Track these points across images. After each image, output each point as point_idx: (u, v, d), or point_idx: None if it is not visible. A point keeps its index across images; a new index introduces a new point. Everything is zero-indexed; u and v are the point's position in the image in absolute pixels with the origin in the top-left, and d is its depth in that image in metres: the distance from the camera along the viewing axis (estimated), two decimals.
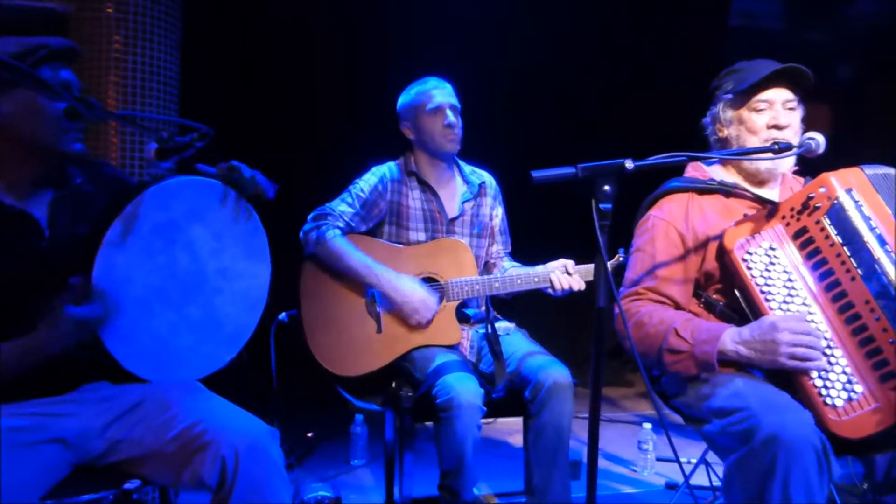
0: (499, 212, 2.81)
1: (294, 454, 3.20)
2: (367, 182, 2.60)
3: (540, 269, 2.53)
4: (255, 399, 2.49)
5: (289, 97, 4.11)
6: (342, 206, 2.56)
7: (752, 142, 1.97)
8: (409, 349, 2.50)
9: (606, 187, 1.52)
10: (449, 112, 2.59)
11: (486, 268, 2.79)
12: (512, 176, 2.82)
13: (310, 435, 3.50)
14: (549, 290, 2.53)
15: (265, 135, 3.90)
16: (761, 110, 1.98)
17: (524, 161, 1.78)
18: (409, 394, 2.43)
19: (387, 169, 2.65)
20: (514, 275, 2.54)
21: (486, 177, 2.81)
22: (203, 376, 1.79)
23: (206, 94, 3.42)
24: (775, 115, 1.96)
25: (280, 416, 2.66)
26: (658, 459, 3.31)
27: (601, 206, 1.51)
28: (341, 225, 2.52)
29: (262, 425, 1.66)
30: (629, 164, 1.54)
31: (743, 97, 2.00)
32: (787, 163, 1.98)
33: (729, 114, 2.04)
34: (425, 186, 2.65)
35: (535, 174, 1.54)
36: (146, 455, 1.62)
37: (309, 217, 2.56)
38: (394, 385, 2.49)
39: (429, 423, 2.37)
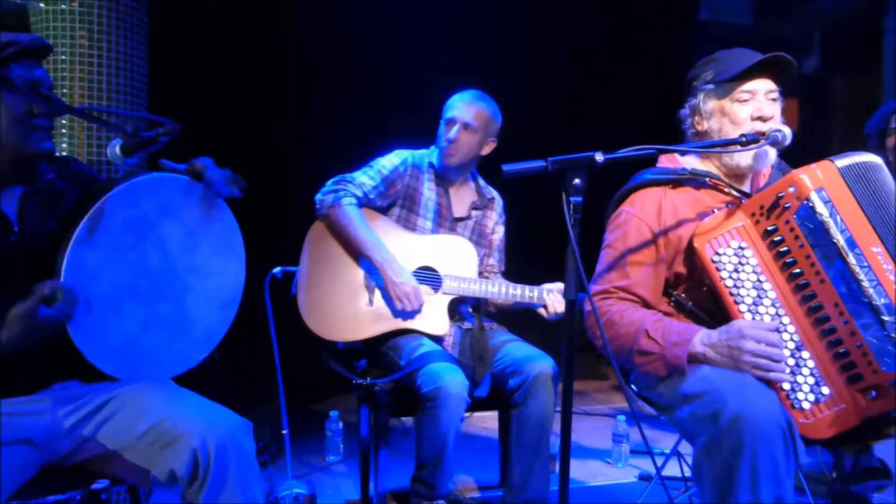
0: (500, 230, 2.88)
1: (269, 452, 3.18)
2: (390, 161, 2.65)
3: (536, 288, 2.59)
4: (230, 397, 2.50)
5: (263, 91, 4.06)
6: (363, 178, 2.59)
7: (735, 134, 1.91)
8: (394, 329, 2.53)
9: (577, 180, 1.53)
10: (456, 127, 2.63)
11: (480, 277, 2.81)
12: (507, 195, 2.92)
13: (284, 432, 3.47)
14: (542, 311, 2.58)
15: (238, 130, 3.87)
16: (745, 101, 1.93)
17: (499, 156, 1.78)
18: (387, 389, 2.44)
19: (410, 155, 2.70)
20: (512, 285, 2.60)
21: (496, 194, 2.89)
22: (175, 375, 1.78)
23: (177, 90, 3.38)
24: (759, 105, 1.92)
25: (252, 412, 2.64)
26: (632, 451, 3.34)
27: (572, 199, 1.52)
28: (359, 194, 2.56)
29: (236, 418, 1.66)
30: (599, 158, 1.54)
31: (725, 88, 1.95)
32: (770, 159, 1.96)
33: (710, 105, 1.99)
34: (440, 181, 2.71)
35: (506, 167, 1.55)
36: (115, 453, 1.61)
37: (328, 182, 2.59)
38: (368, 380, 2.49)
39: (405, 419, 2.38)
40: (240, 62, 3.96)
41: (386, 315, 2.52)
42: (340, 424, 3.37)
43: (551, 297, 2.54)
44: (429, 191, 2.68)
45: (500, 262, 2.89)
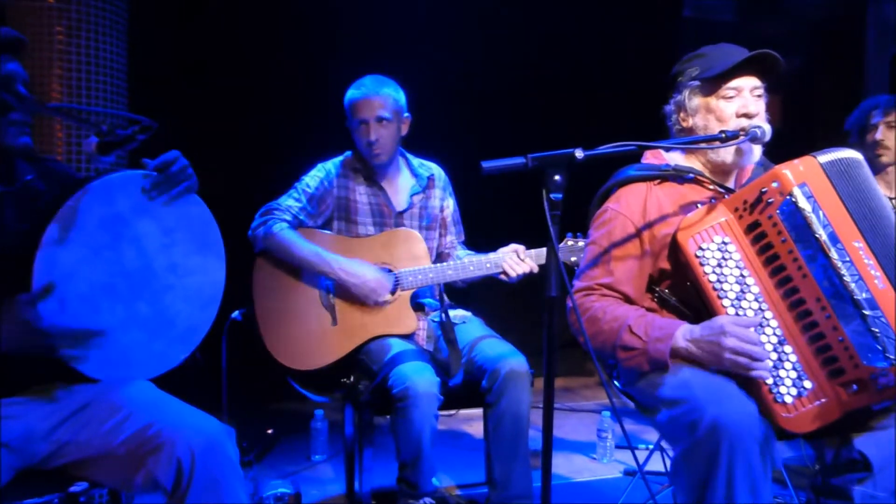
0: (450, 203, 2.82)
1: (254, 451, 3.16)
2: (312, 178, 2.61)
3: (492, 255, 2.54)
4: (211, 398, 2.47)
5: (242, 90, 4.03)
6: (289, 201, 2.56)
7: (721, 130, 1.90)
8: (366, 340, 2.50)
9: (557, 177, 1.52)
10: (372, 127, 2.56)
11: (440, 258, 2.80)
12: (463, 165, 2.76)
13: (270, 432, 3.46)
14: (503, 277, 2.54)
15: (217, 128, 3.84)
16: (731, 98, 1.93)
17: (479, 150, 1.77)
18: (369, 386, 2.43)
19: (332, 165, 2.65)
20: (467, 262, 2.55)
21: (435, 168, 2.80)
22: (155, 375, 1.76)
23: (156, 88, 3.35)
24: (745, 102, 1.92)
25: (233, 417, 2.61)
26: (617, 447, 3.35)
27: (552, 195, 1.51)
28: (288, 218, 2.52)
29: (218, 424, 1.64)
30: (579, 154, 1.54)
31: (711, 84, 1.95)
32: (755, 156, 1.96)
33: (696, 102, 1.98)
34: (371, 182, 2.65)
35: (485, 164, 1.54)
36: (95, 457, 1.59)
37: (256, 215, 2.55)
38: (351, 379, 2.48)
39: (389, 416, 2.37)
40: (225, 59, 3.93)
41: (355, 328, 2.50)
42: (325, 423, 3.36)
43: (508, 261, 2.50)
44: (361, 195, 2.63)
45: (459, 233, 2.85)
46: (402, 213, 2.68)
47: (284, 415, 3.78)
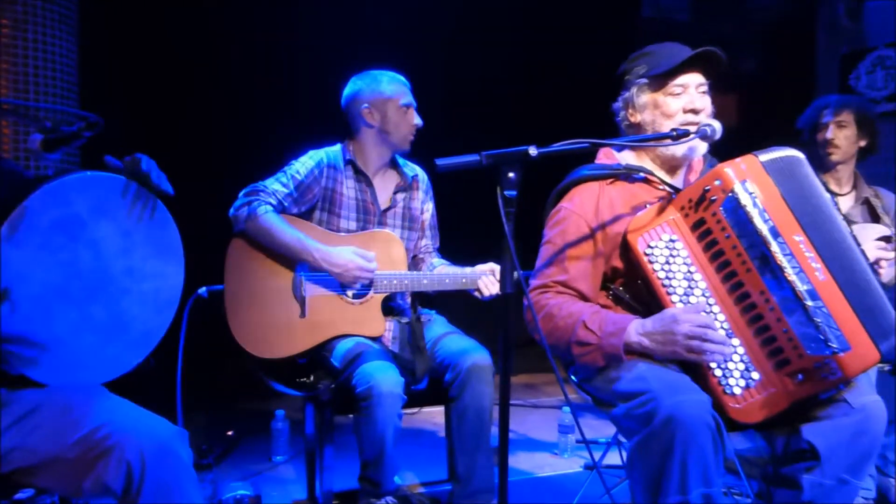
0: (429, 206, 2.83)
1: (213, 454, 3.13)
2: (303, 164, 2.57)
3: (468, 271, 2.57)
4: (167, 392, 2.45)
5: (203, 85, 3.99)
6: (276, 185, 2.52)
7: (668, 126, 1.98)
8: (331, 337, 2.49)
9: (511, 174, 1.54)
10: (416, 113, 2.63)
11: (414, 261, 2.80)
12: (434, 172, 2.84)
13: (230, 433, 3.44)
14: (476, 294, 2.56)
15: (175, 124, 3.79)
16: (677, 94, 1.99)
17: (440, 152, 1.78)
18: (331, 386, 2.42)
19: (324, 154, 2.62)
20: (443, 274, 2.57)
21: (419, 170, 2.81)
22: (108, 380, 1.73)
23: (110, 83, 3.30)
24: (691, 98, 1.98)
25: (189, 406, 2.56)
26: (578, 442, 3.39)
27: (506, 192, 1.53)
28: (273, 202, 2.49)
29: (170, 426, 1.61)
30: (533, 151, 1.56)
31: (658, 81, 2.01)
32: (702, 149, 2.02)
33: (643, 98, 2.04)
34: (361, 176, 2.64)
35: (440, 162, 1.56)
36: (43, 463, 1.55)
37: (240, 193, 2.51)
38: (312, 378, 2.47)
39: (351, 416, 2.37)
40: (173, 61, 3.88)
41: (322, 323, 2.49)
42: (287, 423, 3.34)
43: (484, 280, 2.53)
44: (349, 189, 2.61)
45: (434, 238, 2.86)
46: (385, 210, 2.68)
47: (245, 416, 3.75)
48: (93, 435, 1.53)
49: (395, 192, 2.71)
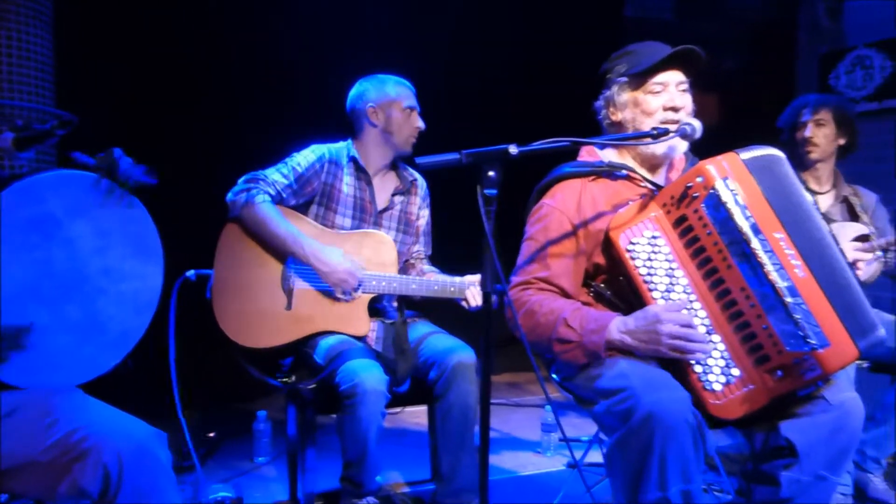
0: (425, 213, 2.84)
1: (194, 455, 3.10)
2: (305, 158, 2.58)
3: (457, 280, 2.56)
4: (148, 401, 2.41)
5: (180, 82, 3.95)
6: (276, 175, 2.52)
7: (648, 123, 1.99)
8: (315, 332, 2.48)
9: (491, 173, 1.54)
10: (419, 117, 2.67)
11: (405, 266, 2.80)
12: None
13: (211, 435, 3.41)
14: (463, 303, 2.57)
15: (150, 125, 3.75)
16: (657, 93, 2.00)
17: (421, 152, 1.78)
18: (311, 386, 2.41)
19: (327, 150, 2.63)
20: (432, 280, 2.57)
21: (419, 176, 2.83)
22: (83, 382, 1.71)
23: (88, 80, 3.27)
24: (671, 97, 1.99)
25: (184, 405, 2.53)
26: (560, 440, 3.39)
27: (486, 191, 1.53)
28: (272, 192, 2.49)
29: (148, 428, 1.60)
30: (513, 150, 1.56)
31: (638, 80, 2.02)
32: (682, 148, 2.02)
33: (624, 97, 2.05)
34: (361, 174, 2.65)
35: (420, 160, 1.55)
36: (18, 467, 1.52)
37: (240, 180, 2.51)
38: (293, 378, 2.46)
39: (334, 416, 2.36)
40: (153, 56, 3.83)
41: (307, 317, 2.48)
42: (269, 424, 3.32)
43: (472, 290, 2.54)
44: (348, 186, 2.62)
45: (427, 245, 2.87)
46: (382, 211, 2.69)
47: (227, 417, 3.72)
48: (69, 438, 1.51)
49: (393, 195, 2.72)
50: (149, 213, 1.79)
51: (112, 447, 1.50)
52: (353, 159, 2.65)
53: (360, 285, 2.47)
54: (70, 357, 1.66)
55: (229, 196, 2.48)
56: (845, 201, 3.02)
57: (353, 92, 2.71)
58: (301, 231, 2.47)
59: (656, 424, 1.60)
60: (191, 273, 2.53)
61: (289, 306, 2.48)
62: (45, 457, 1.51)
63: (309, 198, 2.59)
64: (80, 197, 1.66)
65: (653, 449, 1.60)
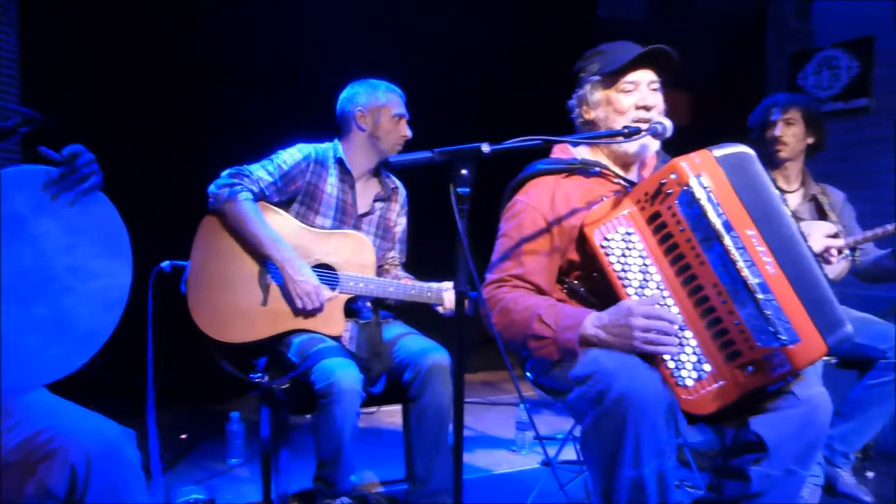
0: (402, 221, 2.85)
1: (165, 458, 3.06)
2: (291, 156, 2.57)
3: (434, 285, 2.56)
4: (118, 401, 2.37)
5: (151, 79, 3.89)
6: (261, 172, 2.51)
7: (620, 122, 2.00)
8: (289, 330, 2.47)
9: (464, 171, 1.54)
10: (407, 125, 2.67)
11: (380, 271, 2.79)
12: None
13: (183, 437, 3.37)
14: (439, 309, 2.57)
15: (126, 119, 3.70)
16: (629, 91, 2.02)
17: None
18: (284, 386, 2.39)
19: (313, 149, 2.62)
20: (410, 284, 2.57)
21: (399, 184, 2.84)
22: (50, 381, 1.68)
23: (55, 78, 3.21)
24: (642, 95, 2.01)
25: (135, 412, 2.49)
26: (535, 438, 3.41)
27: (459, 189, 1.53)
28: (255, 190, 2.47)
29: (116, 427, 1.58)
30: (486, 148, 1.56)
31: (610, 79, 2.04)
32: (654, 147, 2.05)
33: (597, 95, 2.07)
34: (346, 177, 2.64)
35: (392, 158, 1.55)
36: None
37: (223, 173, 2.48)
38: (265, 378, 2.43)
39: (307, 416, 2.34)
40: (125, 49, 3.77)
41: (282, 315, 2.46)
42: (242, 426, 3.28)
43: (448, 295, 2.53)
44: (332, 187, 2.61)
45: (402, 252, 2.87)
46: (363, 215, 2.69)
47: (200, 418, 3.68)
48: (34, 439, 1.49)
49: (374, 200, 2.73)
50: (117, 210, 1.77)
51: (80, 447, 1.48)
52: (339, 161, 2.64)
53: (322, 306, 2.46)
54: (38, 356, 1.62)
55: (211, 188, 2.45)
56: (813, 200, 3.07)
57: (343, 94, 2.70)
58: (283, 227, 2.47)
59: (629, 404, 1.62)
60: (166, 264, 2.49)
61: (265, 302, 2.46)
62: (10, 458, 1.49)
63: (292, 196, 2.58)
64: (43, 192, 1.62)
65: (626, 428, 1.62)
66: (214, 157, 2.59)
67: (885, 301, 3.90)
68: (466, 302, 1.57)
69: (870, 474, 3.08)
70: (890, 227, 2.78)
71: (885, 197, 3.98)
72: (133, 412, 2.36)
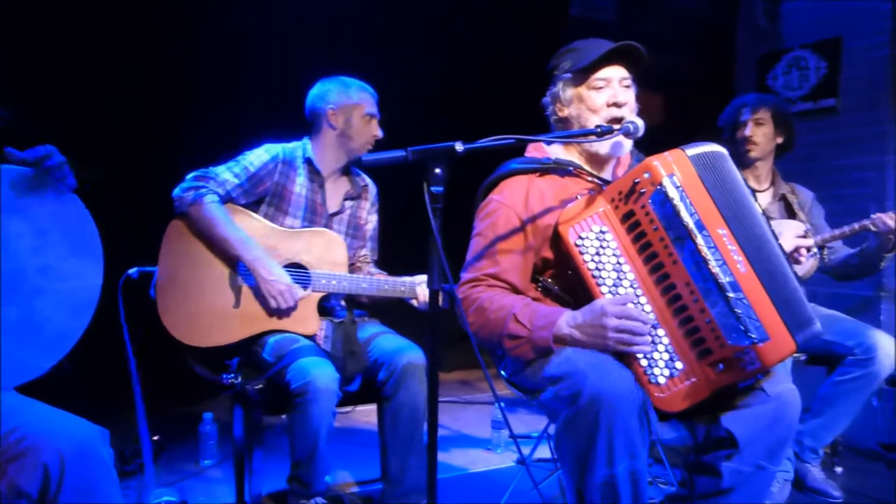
0: (373, 219, 2.83)
1: (137, 460, 3.02)
2: (258, 157, 2.54)
3: (407, 280, 2.55)
4: (92, 401, 2.34)
5: (117, 81, 3.84)
6: (227, 174, 2.47)
7: (593, 120, 2.01)
8: (263, 331, 2.45)
9: (437, 170, 1.54)
10: (378, 125, 2.65)
11: (352, 269, 2.77)
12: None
13: (156, 438, 3.32)
14: (413, 302, 2.56)
15: (89, 121, 3.65)
16: (600, 88, 2.02)
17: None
18: (258, 386, 2.37)
19: (281, 149, 2.59)
20: (383, 280, 2.56)
21: (370, 181, 2.82)
22: (20, 383, 1.66)
23: (27, 75, 3.16)
24: (614, 92, 2.02)
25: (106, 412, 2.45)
26: (510, 436, 3.42)
27: (432, 188, 1.53)
28: (221, 192, 2.44)
29: (90, 426, 1.57)
30: (459, 147, 1.56)
31: (582, 76, 2.04)
32: (627, 146, 2.05)
33: (569, 93, 2.07)
34: (315, 176, 2.61)
35: (365, 157, 1.55)
36: None
37: (188, 176, 2.45)
38: (239, 379, 2.41)
39: (285, 417, 2.32)
40: (97, 54, 3.72)
41: (254, 316, 2.44)
42: (215, 427, 3.25)
43: (421, 289, 2.53)
44: (300, 187, 2.59)
45: (374, 250, 2.86)
46: (333, 215, 2.67)
47: (172, 420, 3.64)
48: (6, 439, 1.48)
49: (344, 199, 2.71)
50: (88, 210, 1.75)
51: (52, 446, 1.47)
52: (308, 161, 2.61)
53: (296, 304, 2.44)
54: (6, 358, 1.61)
55: (176, 192, 2.42)
56: (783, 199, 3.12)
57: (314, 91, 2.66)
58: (251, 228, 2.44)
59: (602, 403, 1.63)
60: (133, 271, 2.45)
61: (237, 304, 2.44)
62: None
63: (259, 197, 2.55)
64: (14, 193, 1.60)
65: (599, 427, 1.63)
66: (178, 160, 2.55)
67: (853, 298, 3.98)
68: (441, 295, 1.57)
69: (838, 469, 3.14)
70: (857, 226, 2.83)
71: (853, 195, 4.06)
72: (106, 412, 2.34)
